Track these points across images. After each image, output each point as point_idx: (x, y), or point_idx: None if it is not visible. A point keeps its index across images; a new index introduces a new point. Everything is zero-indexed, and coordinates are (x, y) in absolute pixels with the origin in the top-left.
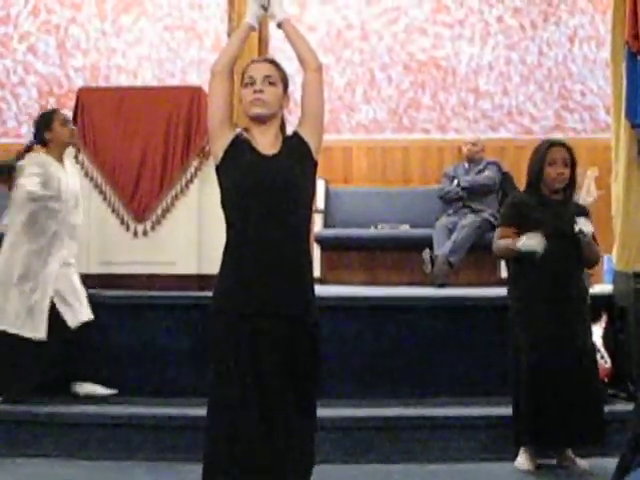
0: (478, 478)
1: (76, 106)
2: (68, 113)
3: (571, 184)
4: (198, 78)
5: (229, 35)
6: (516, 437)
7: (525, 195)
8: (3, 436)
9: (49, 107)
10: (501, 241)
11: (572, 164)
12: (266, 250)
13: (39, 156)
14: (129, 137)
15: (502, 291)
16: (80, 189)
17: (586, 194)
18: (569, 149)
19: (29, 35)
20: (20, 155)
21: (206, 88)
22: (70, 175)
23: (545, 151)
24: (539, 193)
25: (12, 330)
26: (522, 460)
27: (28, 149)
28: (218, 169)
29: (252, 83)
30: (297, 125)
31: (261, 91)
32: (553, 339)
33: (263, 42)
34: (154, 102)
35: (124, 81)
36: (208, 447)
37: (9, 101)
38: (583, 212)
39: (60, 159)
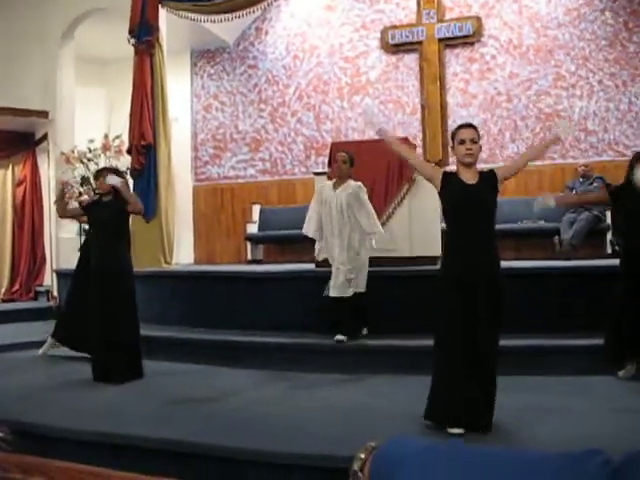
0: (590, 385)
1: (330, 154)
2: (324, 160)
3: None
4: (404, 131)
5: (422, 105)
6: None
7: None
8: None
9: (313, 157)
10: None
11: None
12: (472, 240)
13: None
14: (363, 171)
15: (608, 262)
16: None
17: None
18: None
19: (297, 112)
20: None
21: (408, 139)
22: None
23: (633, 158)
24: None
25: None
26: (622, 373)
27: None
28: (440, 194)
29: (463, 142)
30: (498, 168)
31: (470, 148)
32: None
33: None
34: (377, 149)
35: (356, 137)
36: (437, 365)
37: (287, 153)
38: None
39: None
